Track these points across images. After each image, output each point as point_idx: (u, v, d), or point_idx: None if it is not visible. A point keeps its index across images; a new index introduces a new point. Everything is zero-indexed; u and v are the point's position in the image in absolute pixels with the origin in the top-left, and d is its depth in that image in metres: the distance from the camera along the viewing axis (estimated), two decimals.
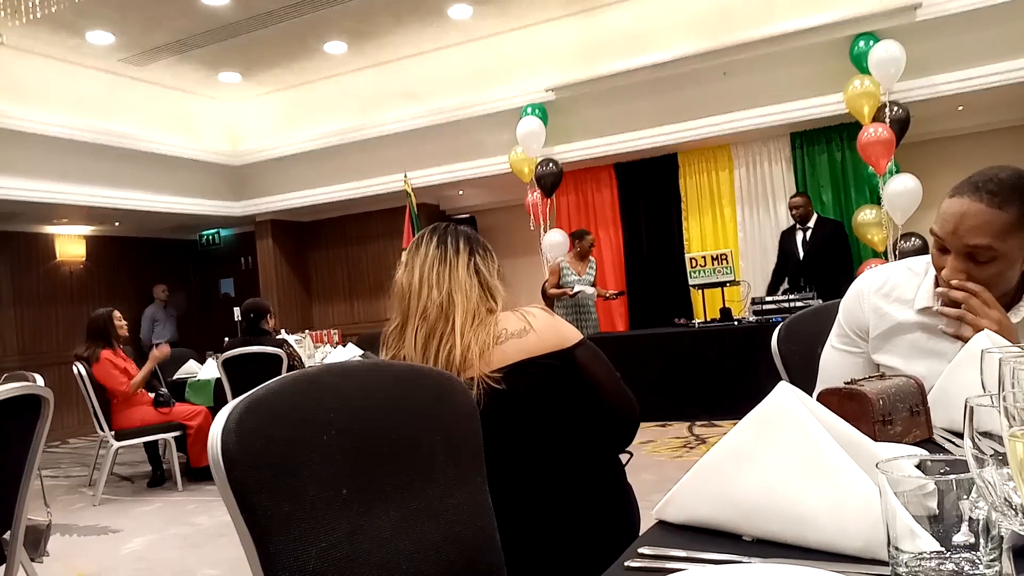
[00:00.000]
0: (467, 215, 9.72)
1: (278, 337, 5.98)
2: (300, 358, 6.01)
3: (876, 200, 6.63)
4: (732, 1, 6.87)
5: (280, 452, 1.13)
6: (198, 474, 5.50)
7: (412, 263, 1.68)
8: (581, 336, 1.68)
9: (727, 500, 0.80)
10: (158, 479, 5.60)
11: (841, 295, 1.66)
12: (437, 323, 1.59)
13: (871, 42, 6.20)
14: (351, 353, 6.53)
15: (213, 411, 5.50)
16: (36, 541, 2.92)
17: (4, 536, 2.45)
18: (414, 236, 6.74)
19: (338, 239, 9.95)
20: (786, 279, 6.65)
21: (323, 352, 6.79)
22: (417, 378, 1.44)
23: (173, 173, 8.47)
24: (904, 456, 0.64)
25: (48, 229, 8.94)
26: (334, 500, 1.19)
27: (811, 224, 6.61)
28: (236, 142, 9.21)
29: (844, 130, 7.03)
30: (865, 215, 6.56)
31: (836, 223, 6.83)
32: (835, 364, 1.63)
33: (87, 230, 9.30)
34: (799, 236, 6.61)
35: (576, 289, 6.58)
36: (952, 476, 0.57)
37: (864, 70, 6.24)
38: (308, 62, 8.11)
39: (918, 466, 0.61)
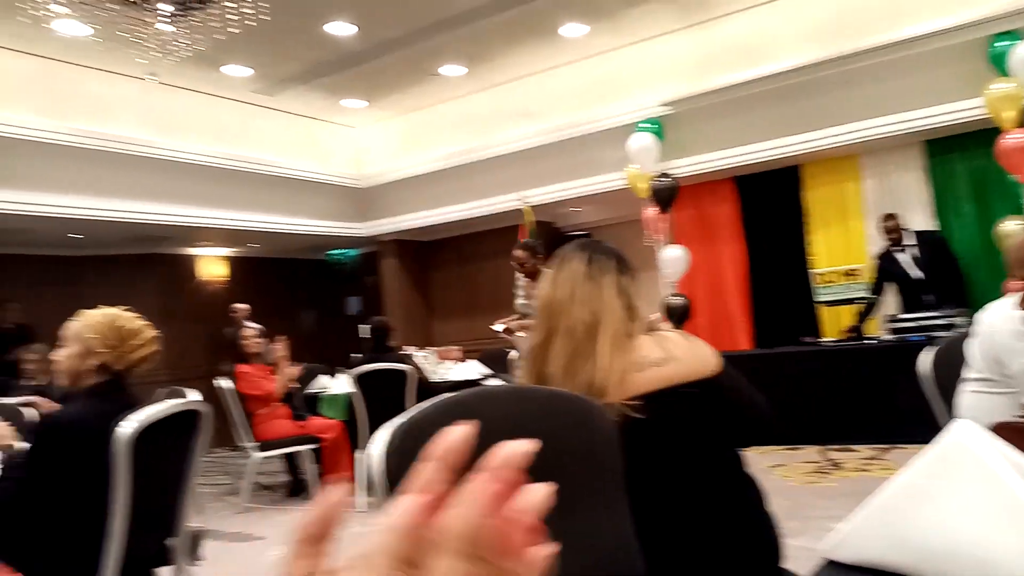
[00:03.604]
0: (583, 232, 9.74)
1: (401, 353, 6.20)
2: (424, 371, 6.21)
3: (1021, 211, 6.19)
4: (853, 7, 6.61)
5: None
6: None
7: (557, 278, 1.63)
8: (721, 360, 1.63)
9: (903, 542, 0.78)
10: (296, 489, 5.88)
11: (965, 306, 1.59)
12: (582, 343, 1.55)
13: (1011, 42, 5.81)
14: (475, 369, 6.67)
15: (347, 424, 5.72)
16: (193, 546, 3.13)
17: (170, 542, 2.64)
18: None
19: (456, 258, 10.17)
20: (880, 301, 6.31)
21: (446, 368, 6.96)
22: (559, 404, 1.46)
23: (303, 196, 8.93)
24: None
25: (192, 251, 9.60)
26: None
27: (908, 242, 6.23)
28: (361, 165, 9.62)
29: (984, 136, 6.59)
30: (1008, 227, 6.12)
31: (934, 233, 6.55)
32: (978, 409, 1.52)
33: (227, 251, 9.93)
34: (901, 257, 6.24)
35: (497, 327, 5.27)
36: None
37: (1004, 72, 5.85)
38: (427, 86, 8.39)
39: None
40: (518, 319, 5.17)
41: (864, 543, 0.82)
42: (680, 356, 1.57)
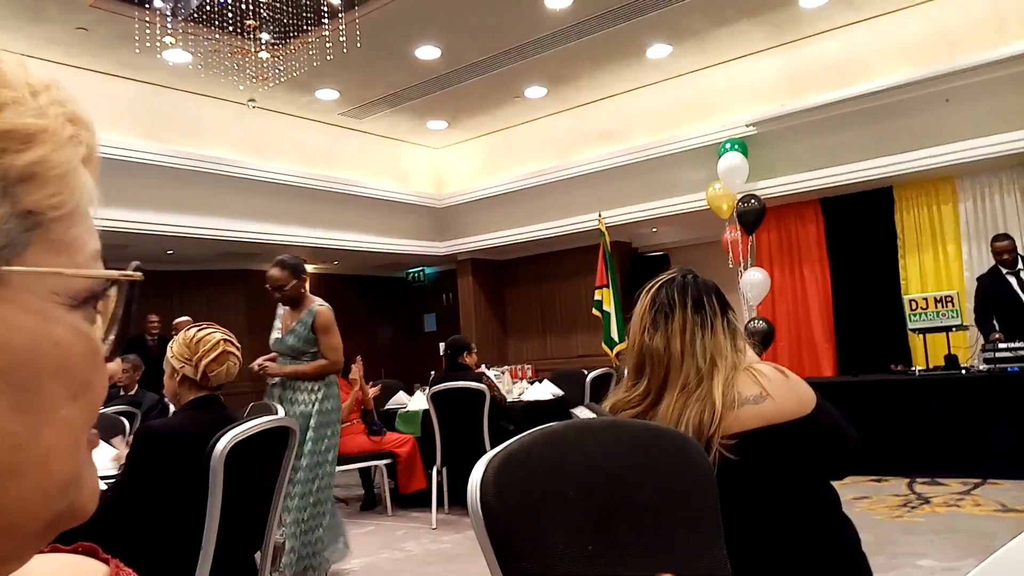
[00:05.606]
0: (660, 252, 9.65)
1: (478, 371, 6.23)
2: (499, 390, 6.23)
3: None
4: (950, 25, 6.40)
5: (533, 506, 1.18)
6: (405, 500, 5.80)
7: (667, 329, 1.57)
8: (816, 397, 1.57)
9: None
10: (370, 503, 5.97)
11: None
12: (697, 390, 1.53)
13: None
14: (547, 390, 6.65)
15: (420, 441, 5.79)
16: (275, 559, 3.22)
17: (255, 555, 2.72)
18: (607, 274, 6.44)
19: (533, 277, 10.21)
20: (995, 326, 5.97)
21: (520, 387, 6.97)
22: (653, 438, 1.45)
23: (384, 215, 9.13)
24: None
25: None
26: (580, 556, 1.23)
27: (1021, 266, 5.92)
28: (441, 185, 9.78)
29: None
30: None
31: None
32: None
33: (310, 268, 10.20)
34: (1012, 280, 5.92)
35: (259, 361, 4.36)
36: None
37: None
38: (509, 108, 8.48)
39: None
40: (273, 357, 4.35)
41: None
42: (776, 394, 1.51)
